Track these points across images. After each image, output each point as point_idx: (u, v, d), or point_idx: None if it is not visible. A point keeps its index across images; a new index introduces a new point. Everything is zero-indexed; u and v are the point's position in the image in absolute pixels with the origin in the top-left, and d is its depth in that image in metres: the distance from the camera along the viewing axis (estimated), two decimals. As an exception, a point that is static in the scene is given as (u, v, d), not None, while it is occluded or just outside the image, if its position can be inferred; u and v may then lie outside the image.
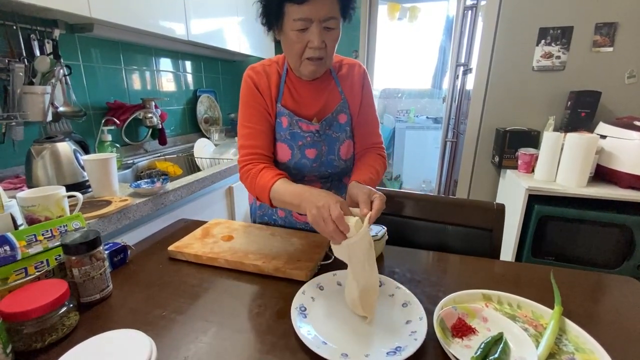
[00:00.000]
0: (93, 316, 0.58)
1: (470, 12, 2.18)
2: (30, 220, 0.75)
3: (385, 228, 0.81)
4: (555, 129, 1.80)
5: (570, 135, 1.53)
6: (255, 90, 0.85)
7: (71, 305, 0.55)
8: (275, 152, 0.89)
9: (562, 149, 1.56)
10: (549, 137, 1.58)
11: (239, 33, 2.08)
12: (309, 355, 0.49)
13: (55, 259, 0.61)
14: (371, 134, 0.92)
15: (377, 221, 0.78)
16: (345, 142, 0.89)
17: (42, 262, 0.60)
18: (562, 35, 1.75)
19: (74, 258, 0.58)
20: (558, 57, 1.78)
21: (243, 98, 0.86)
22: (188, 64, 2.12)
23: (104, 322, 0.57)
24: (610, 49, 1.72)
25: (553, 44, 1.77)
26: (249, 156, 0.82)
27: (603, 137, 1.57)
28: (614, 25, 1.68)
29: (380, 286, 0.65)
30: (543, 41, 1.78)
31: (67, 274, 0.59)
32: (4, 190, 1.01)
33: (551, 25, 1.75)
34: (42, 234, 0.61)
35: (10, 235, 0.57)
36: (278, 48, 2.68)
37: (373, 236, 0.77)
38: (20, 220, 0.75)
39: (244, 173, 0.82)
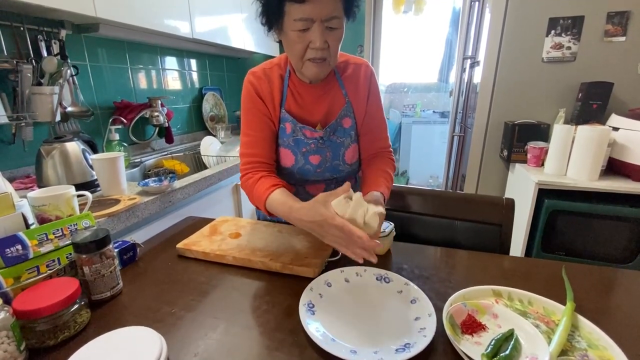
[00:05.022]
0: (104, 313, 0.59)
1: (477, 3, 2.14)
2: (41, 220, 0.76)
3: (393, 224, 0.81)
4: (566, 122, 1.77)
5: (581, 127, 1.50)
6: (256, 96, 0.82)
7: (83, 302, 0.56)
8: (278, 158, 0.87)
9: (572, 142, 1.53)
10: (559, 130, 1.55)
11: (243, 30, 2.08)
12: (318, 352, 0.49)
13: (67, 257, 0.62)
14: (379, 139, 0.89)
15: (385, 217, 0.78)
16: (350, 146, 0.87)
17: (53, 261, 0.60)
18: (573, 25, 1.71)
19: (84, 256, 0.59)
20: (568, 48, 1.74)
21: (244, 105, 0.84)
22: (193, 62, 2.12)
23: (115, 319, 0.58)
24: (623, 38, 1.67)
25: (563, 35, 1.73)
26: (248, 165, 0.82)
27: (615, 129, 1.54)
28: (626, 14, 1.64)
29: (388, 282, 0.66)
30: (553, 32, 1.74)
31: (78, 272, 0.60)
32: (15, 190, 1.03)
33: (561, 15, 1.71)
34: (53, 233, 0.62)
35: (22, 234, 0.57)
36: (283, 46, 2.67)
37: (380, 232, 0.76)
38: (31, 219, 0.76)
39: (244, 182, 0.81)
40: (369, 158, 0.90)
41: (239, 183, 1.62)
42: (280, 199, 0.71)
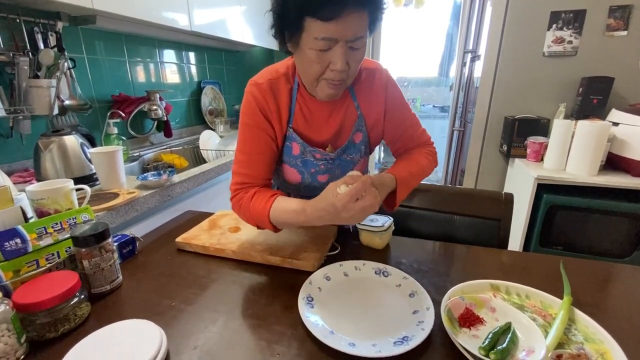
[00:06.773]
0: (104, 307, 0.59)
1: (478, -4, 2.13)
2: (40, 213, 0.76)
3: (392, 219, 0.81)
4: (566, 117, 1.76)
5: (581, 122, 1.50)
6: (258, 113, 0.73)
7: (82, 296, 0.56)
8: (283, 174, 0.82)
9: (572, 137, 1.53)
10: (559, 125, 1.55)
11: (242, 23, 2.06)
12: (317, 345, 0.50)
13: (66, 251, 0.62)
14: (413, 138, 0.81)
15: (384, 212, 0.78)
16: (360, 161, 0.82)
17: (52, 254, 0.60)
18: (575, 19, 1.70)
19: (83, 250, 0.59)
20: (570, 42, 1.73)
21: (243, 118, 0.75)
22: (192, 55, 2.10)
23: (115, 313, 0.58)
24: (624, 32, 1.66)
25: (565, 29, 1.72)
26: (239, 185, 0.74)
27: (615, 124, 1.54)
28: (628, 8, 1.63)
29: (387, 276, 0.66)
30: (554, 26, 1.73)
31: (78, 265, 0.60)
32: (14, 183, 1.03)
33: (563, 9, 1.70)
34: (52, 227, 0.62)
35: (21, 228, 0.57)
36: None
37: (379, 227, 0.76)
38: (30, 213, 0.76)
39: (235, 203, 0.73)
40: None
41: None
42: (285, 205, 0.66)
